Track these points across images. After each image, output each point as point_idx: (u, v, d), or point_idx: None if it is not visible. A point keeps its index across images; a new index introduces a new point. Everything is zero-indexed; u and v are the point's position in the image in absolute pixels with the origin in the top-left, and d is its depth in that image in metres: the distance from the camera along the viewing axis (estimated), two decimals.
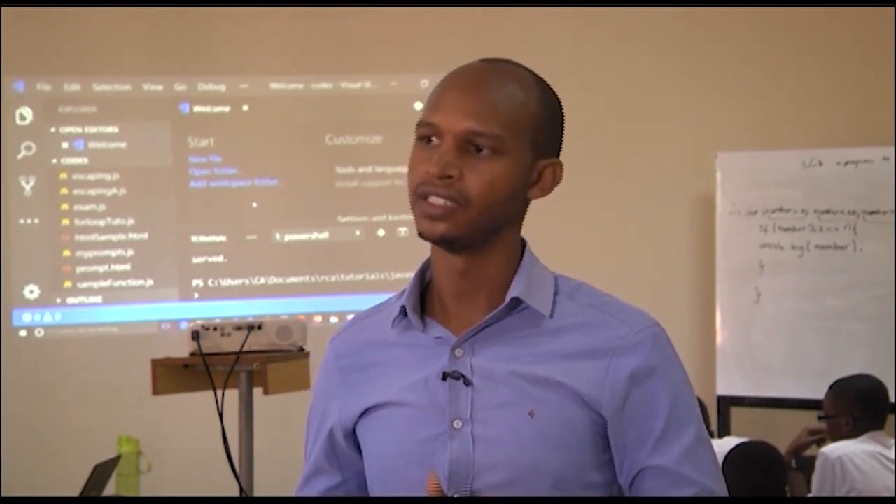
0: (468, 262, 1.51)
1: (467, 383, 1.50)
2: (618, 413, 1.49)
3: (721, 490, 1.54)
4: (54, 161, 5.40)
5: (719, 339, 5.16)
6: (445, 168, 1.45)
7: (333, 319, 5.37)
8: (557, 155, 1.55)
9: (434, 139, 1.48)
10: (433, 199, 1.46)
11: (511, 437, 1.48)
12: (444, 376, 1.51)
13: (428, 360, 1.53)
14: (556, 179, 1.54)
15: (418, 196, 1.48)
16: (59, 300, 5.37)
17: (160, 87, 5.46)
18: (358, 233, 5.53)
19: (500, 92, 1.49)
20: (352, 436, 1.61)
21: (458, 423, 1.50)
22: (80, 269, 5.39)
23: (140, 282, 5.42)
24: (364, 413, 1.57)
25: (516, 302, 1.51)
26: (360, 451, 1.62)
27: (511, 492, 1.48)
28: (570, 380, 1.49)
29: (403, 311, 1.55)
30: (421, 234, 1.50)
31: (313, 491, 1.65)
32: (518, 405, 1.49)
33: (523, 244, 1.57)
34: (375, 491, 1.58)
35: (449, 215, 1.46)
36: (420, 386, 1.52)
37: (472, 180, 1.46)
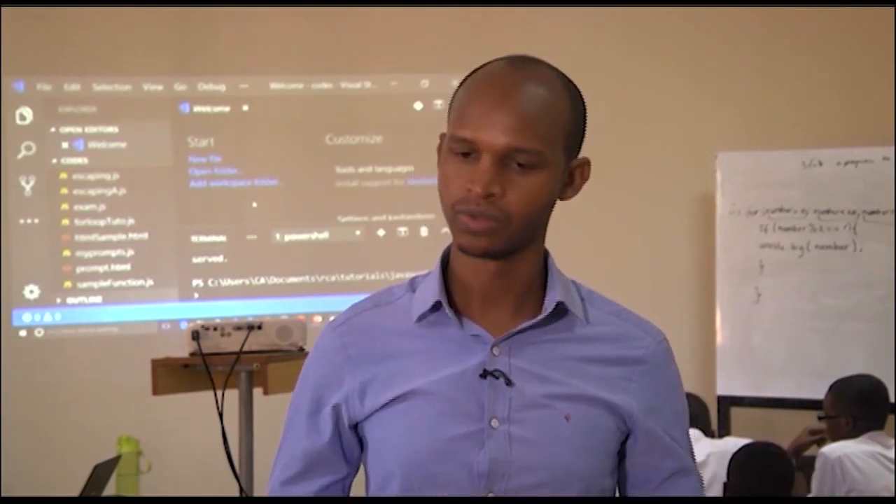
0: (501, 265, 1.51)
1: (508, 383, 1.50)
2: (641, 420, 1.54)
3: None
4: (54, 161, 5.40)
5: (719, 339, 5.16)
6: (488, 186, 1.44)
7: None
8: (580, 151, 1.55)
9: (471, 154, 1.46)
10: (475, 218, 1.45)
11: (548, 440, 1.50)
12: (485, 374, 1.50)
13: (461, 355, 1.52)
14: (584, 178, 1.54)
15: (457, 213, 1.47)
16: (59, 300, 5.37)
17: (160, 87, 5.46)
18: (358, 233, 5.53)
19: (533, 102, 1.46)
20: (355, 427, 1.58)
21: (495, 423, 1.50)
22: (80, 269, 5.39)
23: (140, 282, 5.42)
24: (384, 405, 1.54)
25: (560, 308, 1.53)
26: (360, 446, 1.60)
27: (543, 493, 1.49)
28: (601, 386, 1.52)
29: (435, 306, 1.53)
30: (462, 248, 1.49)
31: (314, 487, 1.60)
32: (554, 408, 1.50)
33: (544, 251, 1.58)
34: (395, 487, 1.53)
35: (491, 232, 1.46)
36: (455, 380, 1.51)
37: (513, 197, 1.45)
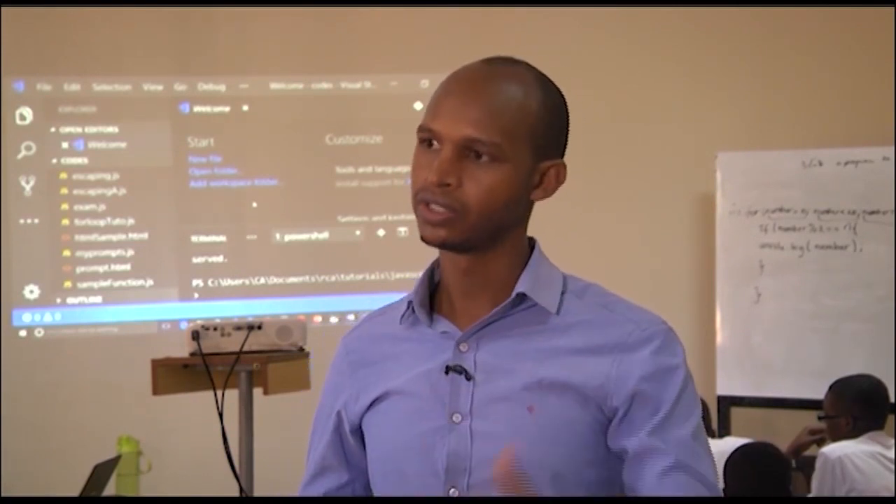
0: (472, 261, 1.52)
1: (468, 378, 1.51)
2: (623, 406, 1.49)
3: (717, 483, 1.53)
4: (54, 161, 5.40)
5: (719, 339, 5.16)
6: (443, 176, 1.46)
7: (333, 319, 5.38)
8: (562, 155, 1.55)
9: (434, 143, 1.49)
10: (433, 207, 1.47)
11: (509, 432, 1.48)
12: (447, 370, 1.52)
13: (434, 353, 1.54)
14: (559, 180, 1.54)
15: (418, 202, 1.49)
16: (59, 300, 5.37)
17: (160, 87, 5.46)
18: (358, 233, 5.53)
19: (499, 96, 1.48)
20: (358, 431, 1.62)
21: (457, 417, 1.51)
22: (80, 269, 5.39)
23: (140, 282, 5.42)
24: (370, 406, 1.58)
25: (522, 297, 1.52)
26: (365, 450, 1.62)
27: None
28: (573, 375, 1.49)
29: (411, 307, 1.56)
30: (423, 239, 1.51)
31: (319, 491, 1.65)
32: (517, 400, 1.49)
33: (533, 243, 1.57)
34: (377, 483, 1.58)
35: (448, 223, 1.47)
36: (423, 378, 1.54)
37: (470, 188, 1.46)
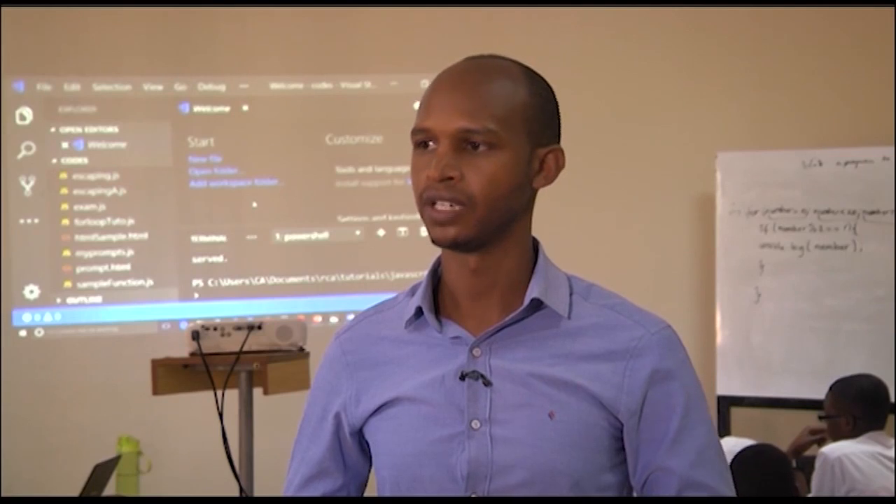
0: (481, 259, 1.51)
1: (487, 383, 1.50)
2: (635, 415, 1.50)
3: (730, 492, 1.54)
4: (54, 161, 5.40)
5: (719, 339, 5.16)
6: (445, 170, 1.45)
7: (333, 319, 5.37)
8: (558, 140, 1.55)
9: (431, 143, 1.48)
10: (439, 205, 1.46)
11: (530, 438, 1.48)
12: (463, 376, 1.51)
13: (444, 358, 1.53)
14: (559, 166, 1.53)
15: (425, 203, 1.48)
16: (59, 300, 5.37)
17: (160, 87, 5.46)
18: (358, 233, 5.53)
19: (487, 86, 1.48)
20: (357, 434, 1.60)
21: (476, 424, 1.50)
22: (80, 269, 5.39)
23: (140, 282, 5.42)
24: (375, 411, 1.56)
25: (536, 303, 1.51)
26: (363, 452, 1.62)
27: (529, 493, 1.48)
28: (588, 382, 1.49)
29: (418, 312, 1.54)
30: (434, 241, 1.50)
31: (315, 493, 1.63)
32: (537, 406, 1.49)
33: (536, 245, 1.57)
34: (387, 490, 1.56)
35: (457, 218, 1.46)
36: (437, 384, 1.52)
37: (473, 179, 1.46)
